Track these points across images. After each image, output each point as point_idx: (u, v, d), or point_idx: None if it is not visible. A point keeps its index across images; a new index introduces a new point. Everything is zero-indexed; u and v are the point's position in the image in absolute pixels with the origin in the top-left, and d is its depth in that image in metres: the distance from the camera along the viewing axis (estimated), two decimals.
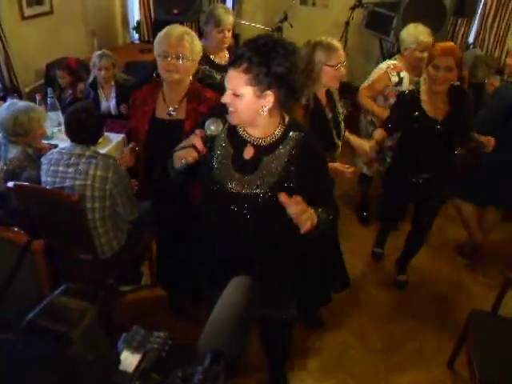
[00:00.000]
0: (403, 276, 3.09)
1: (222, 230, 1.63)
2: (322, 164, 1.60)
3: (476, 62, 4.12)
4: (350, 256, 2.92)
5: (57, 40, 4.24)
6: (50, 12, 4.14)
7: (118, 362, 0.75)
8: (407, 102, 2.52)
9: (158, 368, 0.79)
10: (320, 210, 1.47)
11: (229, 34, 2.83)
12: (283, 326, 2.00)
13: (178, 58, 1.94)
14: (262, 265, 1.62)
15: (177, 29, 2.00)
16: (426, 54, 2.93)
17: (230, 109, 1.43)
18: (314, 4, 5.85)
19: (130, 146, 2.48)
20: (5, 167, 2.43)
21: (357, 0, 4.83)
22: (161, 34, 1.99)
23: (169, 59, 1.94)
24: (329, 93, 2.29)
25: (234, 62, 1.39)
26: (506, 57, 4.11)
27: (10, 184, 2.23)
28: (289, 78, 1.38)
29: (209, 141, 1.49)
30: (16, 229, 1.83)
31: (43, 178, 2.37)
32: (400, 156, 2.78)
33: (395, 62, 3.16)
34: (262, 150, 1.50)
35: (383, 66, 3.19)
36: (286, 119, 1.53)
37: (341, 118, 2.35)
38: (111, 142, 3.08)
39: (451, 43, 2.60)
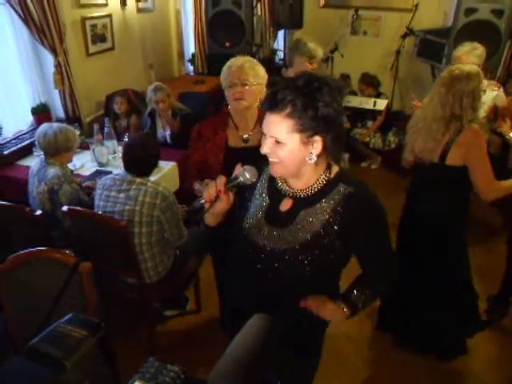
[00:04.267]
0: None
1: (245, 288, 1.51)
2: (377, 224, 1.35)
3: None
4: None
5: (117, 73, 4.51)
6: (112, 48, 4.42)
7: None
8: None
9: None
10: (355, 294, 1.40)
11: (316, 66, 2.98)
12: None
13: (242, 85, 2.00)
14: (285, 327, 1.44)
15: (237, 59, 2.08)
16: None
17: (272, 159, 1.28)
18: (365, 33, 5.88)
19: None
20: (45, 187, 2.59)
21: (408, 29, 4.80)
22: (224, 68, 2.07)
23: (234, 88, 2.01)
24: None
25: (273, 106, 1.22)
26: None
27: (65, 208, 2.37)
28: (337, 121, 1.24)
29: (237, 187, 1.33)
30: (67, 251, 1.93)
31: (96, 202, 2.50)
32: None
33: None
34: (301, 203, 1.34)
35: None
36: (334, 170, 1.35)
37: None
38: (163, 169, 3.20)
39: None
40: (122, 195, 2.41)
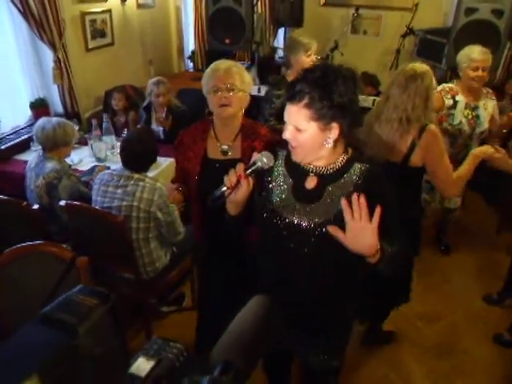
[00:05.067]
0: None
1: (277, 273, 1.56)
2: (389, 198, 1.45)
3: None
4: None
5: (116, 69, 4.50)
6: (112, 43, 4.42)
7: (128, 362, 0.78)
8: None
9: (171, 376, 0.81)
10: (383, 242, 1.35)
11: (315, 59, 2.95)
12: (326, 375, 1.77)
13: (229, 90, 1.85)
14: (319, 308, 1.54)
15: (222, 62, 1.94)
16: (480, 73, 2.83)
17: (293, 144, 1.39)
18: (365, 32, 5.88)
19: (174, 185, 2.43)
20: (43, 181, 2.59)
21: (408, 28, 4.81)
22: (208, 71, 1.92)
23: (220, 93, 1.85)
24: None
25: (292, 97, 1.34)
26: None
27: (62, 203, 2.37)
28: (352, 108, 1.34)
29: (255, 173, 1.44)
30: (64, 245, 1.93)
31: (94, 197, 2.50)
32: None
33: (451, 85, 3.04)
34: (326, 179, 1.44)
35: (438, 87, 3.00)
36: (350, 151, 1.48)
37: None
38: (161, 165, 3.19)
39: None
40: (119, 191, 2.41)
